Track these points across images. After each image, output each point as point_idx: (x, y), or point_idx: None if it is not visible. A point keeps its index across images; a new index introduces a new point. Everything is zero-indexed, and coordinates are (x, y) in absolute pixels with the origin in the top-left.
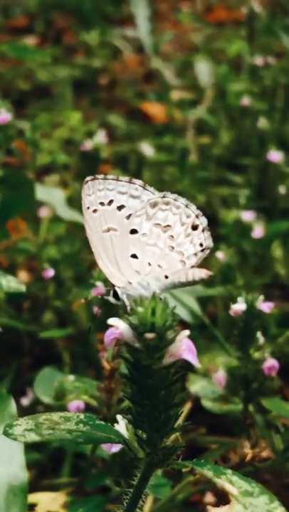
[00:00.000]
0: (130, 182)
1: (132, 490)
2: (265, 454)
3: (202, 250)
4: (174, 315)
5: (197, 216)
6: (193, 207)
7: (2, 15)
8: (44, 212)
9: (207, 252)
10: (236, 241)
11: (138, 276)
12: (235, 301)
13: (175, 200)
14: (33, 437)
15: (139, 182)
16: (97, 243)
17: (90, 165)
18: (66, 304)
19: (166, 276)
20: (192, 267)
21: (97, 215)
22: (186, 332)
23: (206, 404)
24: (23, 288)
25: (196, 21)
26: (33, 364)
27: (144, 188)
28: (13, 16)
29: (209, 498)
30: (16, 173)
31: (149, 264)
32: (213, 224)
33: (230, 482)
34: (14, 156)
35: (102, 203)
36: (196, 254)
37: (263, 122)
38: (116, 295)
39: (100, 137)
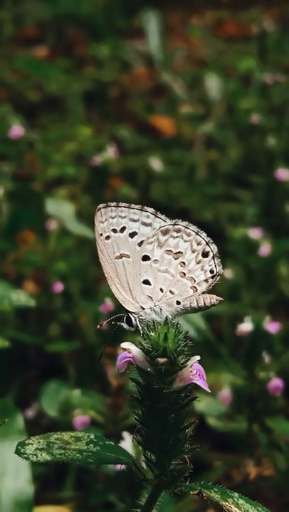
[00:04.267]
0: (142, 209)
1: (138, 510)
2: (268, 472)
3: (213, 277)
4: (185, 340)
5: (208, 243)
6: (203, 234)
7: (14, 25)
8: (53, 225)
9: (218, 278)
10: (243, 258)
11: (151, 301)
12: (241, 320)
13: (186, 227)
14: (44, 457)
15: (150, 210)
16: (109, 269)
17: (99, 179)
18: (73, 317)
19: (178, 302)
20: (203, 292)
21: (109, 242)
22: (197, 357)
23: (211, 421)
24: (32, 303)
25: (207, 35)
26: (39, 376)
27: (155, 215)
28: (24, 27)
29: None
30: (26, 187)
31: (161, 290)
32: (221, 240)
33: (237, 505)
34: (24, 168)
35: (114, 230)
36: (206, 280)
37: (271, 141)
38: (129, 321)
39: (110, 152)
